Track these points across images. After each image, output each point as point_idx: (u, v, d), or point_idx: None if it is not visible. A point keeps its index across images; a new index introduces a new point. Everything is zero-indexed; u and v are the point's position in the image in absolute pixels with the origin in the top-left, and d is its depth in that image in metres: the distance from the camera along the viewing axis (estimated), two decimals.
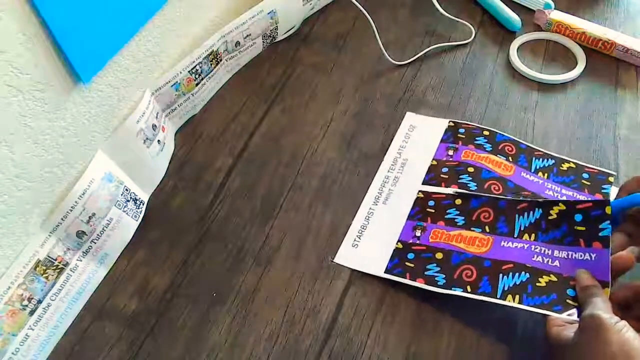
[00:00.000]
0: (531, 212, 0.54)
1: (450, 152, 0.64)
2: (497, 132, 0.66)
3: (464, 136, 0.65)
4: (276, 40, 0.78)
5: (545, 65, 0.75)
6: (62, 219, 0.51)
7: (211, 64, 0.69)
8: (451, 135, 0.66)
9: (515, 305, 0.49)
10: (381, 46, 0.74)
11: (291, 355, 0.52)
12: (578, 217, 0.50)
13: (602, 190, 0.60)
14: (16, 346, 0.48)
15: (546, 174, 0.62)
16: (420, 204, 0.60)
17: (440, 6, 0.80)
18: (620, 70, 0.74)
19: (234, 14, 0.70)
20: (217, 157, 0.67)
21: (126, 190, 0.57)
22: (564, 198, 0.59)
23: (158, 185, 0.64)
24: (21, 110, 0.45)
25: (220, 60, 0.70)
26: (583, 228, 0.50)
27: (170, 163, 0.66)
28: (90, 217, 0.53)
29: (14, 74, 0.43)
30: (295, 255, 0.58)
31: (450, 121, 0.67)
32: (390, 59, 0.75)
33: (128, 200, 0.58)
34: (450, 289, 0.52)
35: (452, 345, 0.52)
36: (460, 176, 0.61)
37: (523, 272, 0.51)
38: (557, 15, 0.78)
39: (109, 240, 0.56)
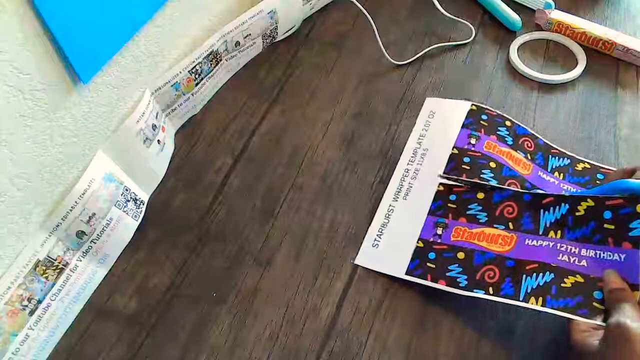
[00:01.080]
0: (557, 208, 0.51)
1: (473, 141, 0.60)
2: (517, 124, 0.64)
3: (486, 124, 0.62)
4: (276, 40, 0.78)
5: (545, 65, 0.75)
6: (62, 219, 0.51)
7: (211, 64, 0.69)
8: (473, 121, 0.63)
9: (539, 308, 0.46)
10: (381, 46, 0.74)
11: (291, 355, 0.52)
12: (607, 215, 0.47)
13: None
14: (16, 346, 0.48)
15: (562, 174, 0.61)
16: (442, 198, 0.58)
17: (441, 6, 0.80)
18: (620, 70, 0.74)
19: (234, 14, 0.70)
20: (217, 157, 0.67)
21: (126, 190, 0.57)
22: None
23: (158, 185, 0.64)
24: (21, 110, 0.45)
25: (220, 60, 0.70)
26: (612, 226, 0.47)
27: (170, 163, 0.66)
28: (90, 217, 0.53)
29: (14, 74, 0.43)
30: (295, 255, 0.58)
31: (472, 104, 0.64)
32: (390, 59, 0.75)
33: (128, 200, 0.58)
34: (472, 291, 0.51)
35: (452, 345, 0.52)
36: (483, 170, 0.58)
37: (548, 272, 0.48)
38: (557, 15, 0.78)
39: (109, 240, 0.56)
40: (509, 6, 0.80)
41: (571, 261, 0.48)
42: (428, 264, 0.55)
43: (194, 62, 0.65)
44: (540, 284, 0.48)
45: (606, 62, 0.75)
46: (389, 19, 0.82)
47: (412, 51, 0.77)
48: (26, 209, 0.48)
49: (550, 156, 0.62)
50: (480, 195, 0.56)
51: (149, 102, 0.60)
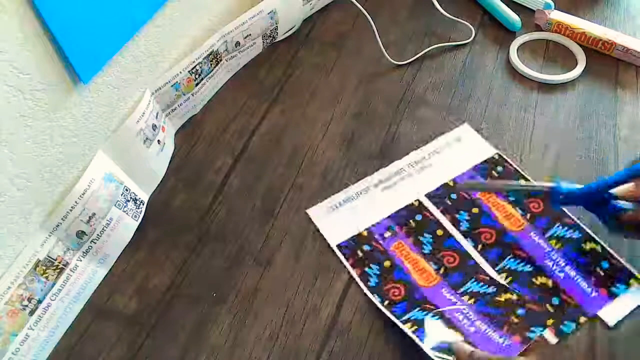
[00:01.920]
0: (487, 285, 0.53)
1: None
2: (534, 186, 0.59)
3: (497, 175, 0.62)
4: (276, 41, 0.78)
5: (545, 65, 0.75)
6: (62, 219, 0.51)
7: (211, 64, 0.69)
8: (485, 172, 0.62)
9: (409, 332, 0.49)
10: (381, 46, 0.74)
11: (291, 355, 0.52)
12: (520, 311, 0.51)
13: (613, 289, 0.53)
14: (16, 346, 0.48)
15: (561, 244, 0.56)
16: (409, 211, 0.60)
17: (440, 6, 0.80)
18: (620, 70, 0.74)
19: (234, 14, 0.70)
20: (217, 157, 0.67)
21: (126, 190, 0.57)
22: (562, 275, 0.54)
23: (158, 185, 0.64)
24: (21, 110, 0.45)
25: (220, 60, 0.70)
26: (517, 320, 0.50)
27: (170, 163, 0.66)
28: (90, 217, 0.53)
29: (14, 74, 0.43)
30: (295, 255, 0.58)
31: (497, 153, 0.63)
32: (390, 59, 0.75)
33: (128, 200, 0.58)
34: (373, 295, 0.54)
35: None
36: (460, 212, 0.59)
37: (437, 315, 0.51)
38: (557, 15, 0.78)
39: (109, 240, 0.56)
40: (508, 6, 0.80)
41: (462, 322, 0.51)
42: (358, 251, 0.58)
43: (194, 62, 0.65)
44: (423, 317, 0.51)
45: (606, 62, 0.75)
46: (389, 19, 0.82)
47: (412, 51, 0.77)
48: (26, 209, 0.48)
49: (558, 224, 0.58)
50: (439, 232, 0.58)
51: (149, 102, 0.60)
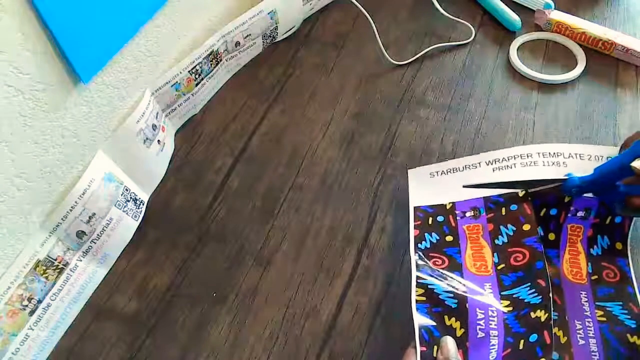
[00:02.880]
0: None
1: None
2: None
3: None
4: (276, 40, 0.78)
5: (545, 65, 0.75)
6: (62, 219, 0.51)
7: (211, 64, 0.69)
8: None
9: (412, 296, 0.48)
10: (381, 46, 0.74)
11: (291, 355, 0.52)
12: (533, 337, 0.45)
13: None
14: (16, 346, 0.48)
15: (605, 319, 0.49)
16: (507, 199, 0.55)
17: (440, 6, 0.80)
18: (620, 70, 0.74)
19: (234, 14, 0.70)
20: (217, 157, 0.67)
21: (126, 190, 0.57)
22: (582, 342, 0.49)
23: (158, 185, 0.64)
24: (21, 110, 0.45)
25: (220, 60, 0.70)
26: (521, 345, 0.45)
27: (170, 163, 0.66)
28: (90, 217, 0.53)
29: (14, 74, 0.43)
30: (295, 255, 0.58)
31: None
32: (390, 59, 0.75)
33: (128, 200, 0.58)
34: (415, 254, 0.53)
35: None
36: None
37: (455, 300, 0.49)
38: (557, 15, 0.78)
39: (109, 240, 0.56)
40: (508, 6, 0.80)
41: (478, 321, 0.48)
42: (430, 218, 0.56)
43: (194, 62, 0.65)
44: (440, 292, 0.49)
45: (606, 62, 0.75)
46: (389, 19, 0.82)
47: (412, 51, 0.77)
48: (26, 209, 0.48)
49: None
50: (526, 227, 0.53)
51: (149, 102, 0.60)
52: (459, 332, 0.48)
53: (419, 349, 0.45)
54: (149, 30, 0.59)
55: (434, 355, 0.45)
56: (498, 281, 0.51)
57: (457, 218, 0.56)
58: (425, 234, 0.55)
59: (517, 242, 0.52)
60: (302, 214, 0.61)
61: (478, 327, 0.48)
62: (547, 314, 0.45)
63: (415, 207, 0.58)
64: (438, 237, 0.55)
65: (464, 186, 0.58)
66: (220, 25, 0.69)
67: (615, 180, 0.51)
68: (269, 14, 0.72)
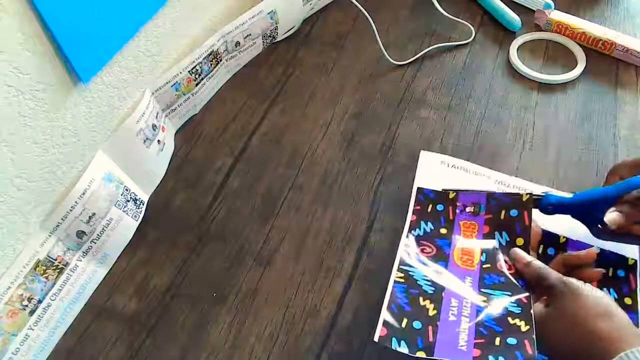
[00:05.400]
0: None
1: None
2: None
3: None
4: (276, 40, 0.78)
5: (545, 65, 0.75)
6: (62, 219, 0.51)
7: (211, 64, 0.69)
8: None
9: (391, 280, 0.49)
10: (381, 46, 0.74)
11: (291, 355, 0.52)
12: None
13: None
14: (16, 346, 0.48)
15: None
16: (511, 201, 0.54)
17: (440, 6, 0.80)
18: (620, 70, 0.74)
19: (234, 14, 0.70)
20: (217, 157, 0.67)
21: (126, 190, 0.57)
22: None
23: (158, 185, 0.64)
24: (21, 110, 0.45)
25: (220, 60, 0.70)
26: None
27: (170, 163, 0.66)
28: (90, 217, 0.53)
29: (14, 74, 0.43)
30: (295, 255, 0.58)
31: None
32: (390, 59, 0.75)
33: (128, 200, 0.58)
34: (407, 237, 0.54)
35: None
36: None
37: (433, 287, 0.50)
38: (557, 15, 0.78)
39: (109, 240, 0.56)
40: (508, 6, 0.80)
41: (451, 305, 0.48)
42: (430, 205, 0.57)
43: (194, 62, 0.65)
44: (419, 280, 0.50)
45: (606, 62, 0.75)
46: (389, 19, 0.82)
47: (412, 51, 0.77)
48: (26, 209, 0.48)
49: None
50: (519, 242, 0.53)
51: (149, 102, 0.60)
52: (431, 312, 0.48)
53: (382, 318, 0.46)
54: (149, 30, 0.59)
55: (401, 326, 0.46)
56: (480, 277, 0.51)
57: (457, 211, 0.56)
58: (422, 222, 0.56)
59: (507, 253, 0.53)
60: (302, 214, 0.61)
61: (450, 311, 0.48)
62: (527, 326, 0.45)
63: (418, 188, 0.58)
64: (433, 227, 0.55)
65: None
66: (220, 25, 0.69)
67: (594, 208, 0.52)
68: (269, 14, 0.72)
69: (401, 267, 0.51)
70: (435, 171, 0.61)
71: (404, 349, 0.45)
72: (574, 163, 0.64)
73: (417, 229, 0.55)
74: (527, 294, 0.48)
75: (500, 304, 0.48)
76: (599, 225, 0.52)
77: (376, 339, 0.45)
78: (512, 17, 0.78)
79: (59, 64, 0.48)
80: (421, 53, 0.77)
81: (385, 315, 0.46)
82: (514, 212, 0.54)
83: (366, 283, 0.56)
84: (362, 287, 0.56)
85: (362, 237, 0.59)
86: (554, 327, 0.44)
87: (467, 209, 0.56)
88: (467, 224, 0.55)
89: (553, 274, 0.46)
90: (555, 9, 0.79)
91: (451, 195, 0.57)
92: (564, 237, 0.56)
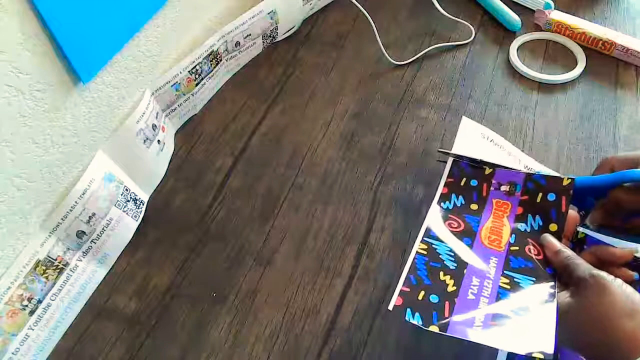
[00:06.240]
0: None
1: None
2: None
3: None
4: (276, 40, 0.78)
5: (545, 65, 0.75)
6: (62, 219, 0.51)
7: (211, 64, 0.69)
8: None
9: (413, 250, 0.48)
10: (381, 46, 0.74)
11: (291, 355, 0.52)
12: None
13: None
14: (16, 346, 0.48)
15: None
16: (548, 184, 0.53)
17: (440, 6, 0.80)
18: (620, 70, 0.74)
19: (234, 14, 0.70)
20: (217, 157, 0.67)
21: (126, 190, 0.57)
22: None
23: (158, 185, 0.64)
24: (21, 110, 0.45)
25: (220, 60, 0.70)
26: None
27: (170, 163, 0.66)
28: (90, 217, 0.53)
29: (14, 74, 0.43)
30: (295, 255, 0.58)
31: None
32: (390, 59, 0.75)
33: (128, 200, 0.58)
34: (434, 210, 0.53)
35: (454, 344, 0.52)
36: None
37: (455, 262, 0.49)
38: (557, 15, 0.78)
39: (109, 240, 0.56)
40: (508, 6, 0.80)
41: (472, 283, 0.48)
42: (463, 179, 0.55)
43: (194, 62, 0.65)
44: (442, 253, 0.50)
45: (606, 62, 0.75)
46: (389, 19, 0.82)
47: (412, 51, 0.77)
48: (26, 209, 0.48)
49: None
50: (553, 227, 0.51)
51: (149, 102, 0.60)
52: (450, 288, 0.47)
53: (399, 288, 0.46)
54: (149, 30, 0.59)
55: (418, 298, 0.45)
56: (506, 259, 0.50)
57: (491, 189, 0.54)
58: (453, 195, 0.54)
59: (538, 237, 0.51)
60: (302, 214, 0.61)
61: (470, 290, 0.47)
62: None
63: (454, 160, 0.56)
64: (464, 202, 0.54)
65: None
66: (220, 25, 0.69)
67: (587, 195, 0.52)
68: (269, 14, 0.72)
69: (425, 238, 0.50)
70: (476, 141, 0.60)
71: (417, 321, 0.44)
72: (573, 163, 0.64)
73: (447, 202, 0.54)
74: (552, 283, 0.47)
75: (521, 289, 0.47)
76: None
77: (390, 307, 0.44)
78: (512, 17, 0.78)
79: (59, 64, 0.48)
80: (421, 53, 0.77)
81: (402, 285, 0.46)
82: (551, 196, 0.52)
83: (366, 283, 0.56)
84: (362, 287, 0.56)
85: (362, 237, 0.59)
86: (576, 319, 0.43)
87: (502, 188, 0.54)
88: (500, 202, 0.54)
89: (581, 267, 0.45)
90: (555, 9, 0.79)
91: (487, 172, 0.55)
92: (582, 233, 0.53)
